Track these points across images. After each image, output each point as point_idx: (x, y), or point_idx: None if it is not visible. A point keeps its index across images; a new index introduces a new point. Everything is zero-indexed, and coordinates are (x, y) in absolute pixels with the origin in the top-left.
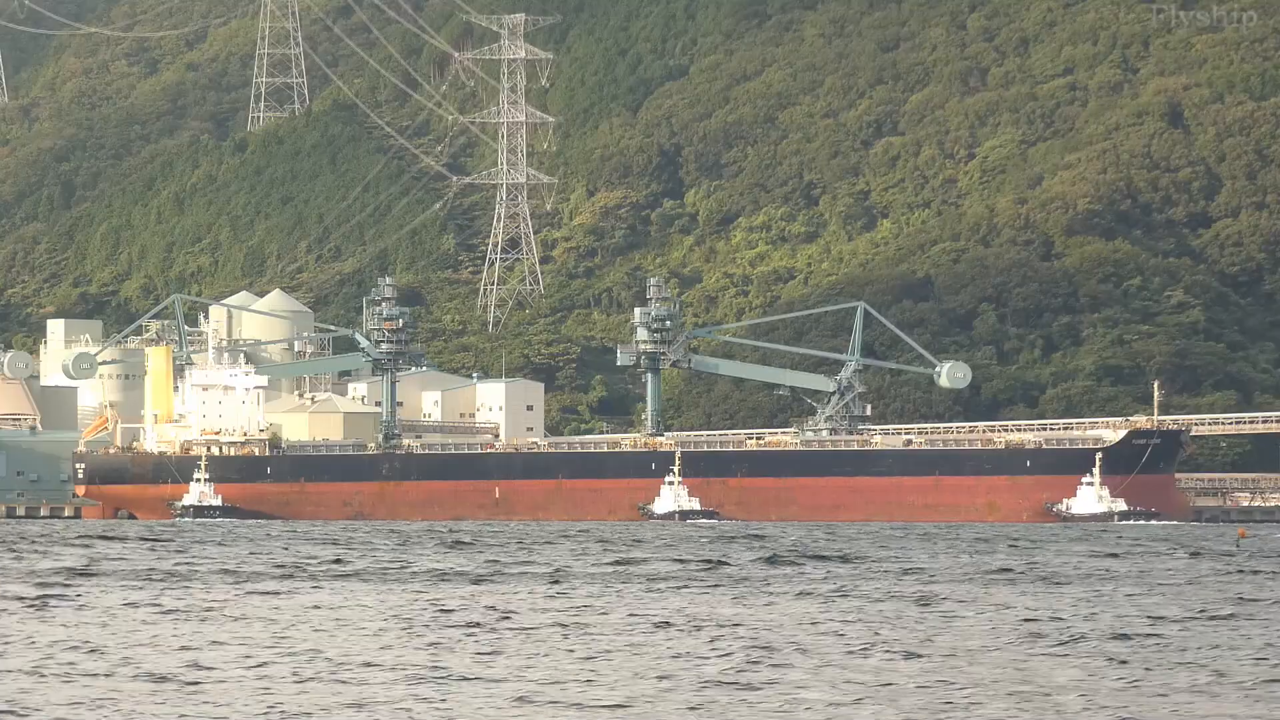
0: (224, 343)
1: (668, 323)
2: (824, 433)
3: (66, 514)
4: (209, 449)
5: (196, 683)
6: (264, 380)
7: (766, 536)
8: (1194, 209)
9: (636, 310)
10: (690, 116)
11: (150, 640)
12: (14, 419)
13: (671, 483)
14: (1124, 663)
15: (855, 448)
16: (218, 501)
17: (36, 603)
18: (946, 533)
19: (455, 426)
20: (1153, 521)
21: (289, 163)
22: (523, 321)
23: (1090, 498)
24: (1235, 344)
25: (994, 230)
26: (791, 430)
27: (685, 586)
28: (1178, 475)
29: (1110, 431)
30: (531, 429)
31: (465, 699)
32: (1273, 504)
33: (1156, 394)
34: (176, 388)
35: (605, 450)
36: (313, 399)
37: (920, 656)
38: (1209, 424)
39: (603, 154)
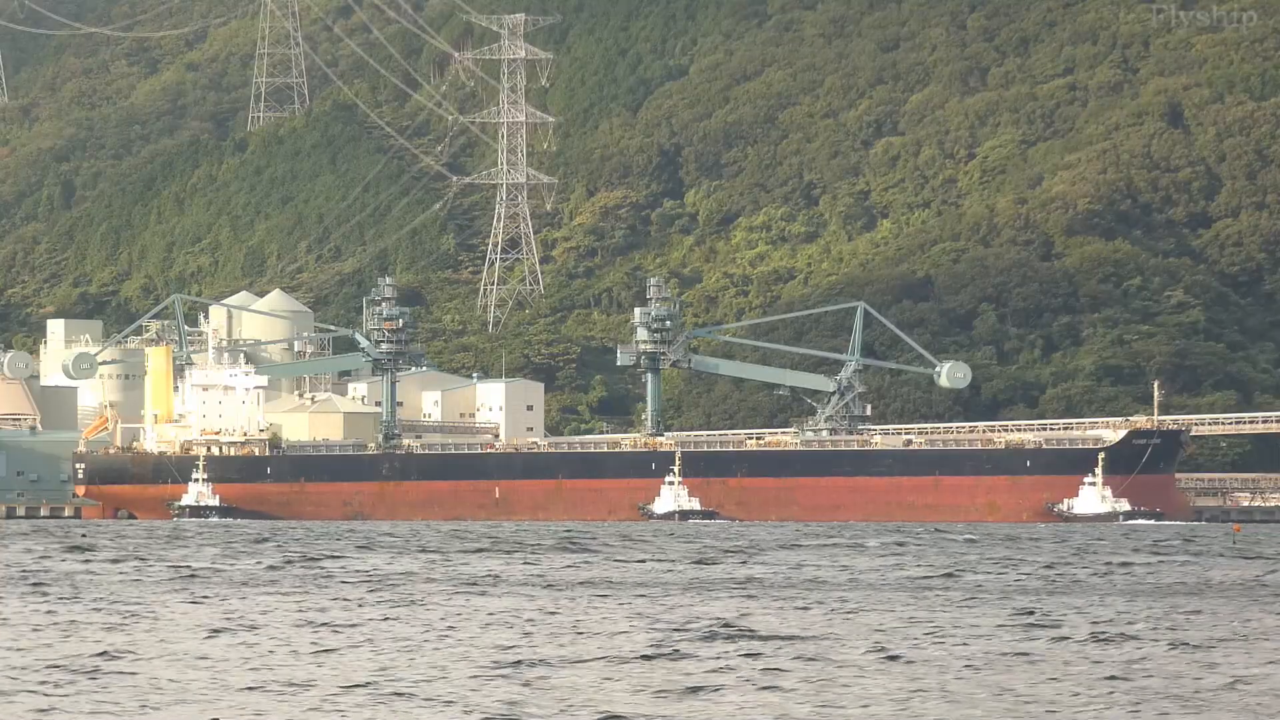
0: (224, 343)
1: (668, 323)
2: (824, 433)
3: (66, 514)
4: (209, 449)
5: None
6: (264, 380)
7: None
8: (1194, 209)
9: (636, 310)
10: (690, 116)
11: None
12: (14, 419)
13: (671, 483)
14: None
15: (855, 448)
16: (215, 502)
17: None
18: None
19: (455, 426)
20: (1160, 521)
21: (289, 163)
22: (523, 321)
23: (1093, 498)
24: (1235, 344)
25: (994, 230)
26: (791, 430)
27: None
28: (1178, 475)
29: (1110, 431)
30: (531, 429)
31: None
32: (1273, 504)
33: (1156, 394)
34: (176, 388)
35: (605, 450)
36: (313, 399)
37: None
38: (1209, 424)
39: (603, 154)
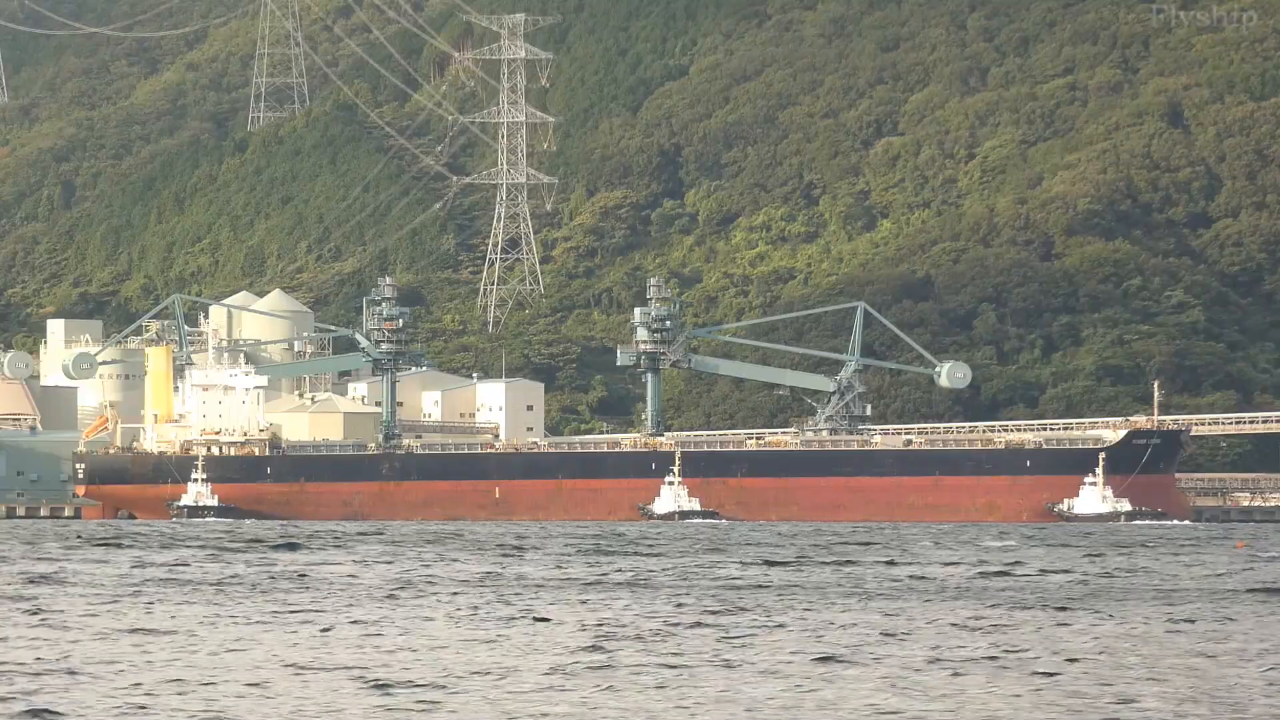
0: (224, 343)
1: (668, 323)
2: (824, 433)
3: (66, 514)
4: (209, 449)
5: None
6: (264, 380)
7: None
8: (1194, 209)
9: (636, 310)
10: (690, 116)
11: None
12: (14, 419)
13: (671, 483)
14: None
15: (855, 448)
16: (214, 502)
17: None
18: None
19: (455, 426)
20: (1163, 521)
21: (289, 163)
22: (523, 321)
23: (1094, 498)
24: (1235, 344)
25: (994, 230)
26: (791, 430)
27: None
28: (1178, 475)
29: (1110, 431)
30: (531, 429)
31: None
32: (1273, 504)
33: (1156, 394)
34: (176, 388)
35: (605, 450)
36: (313, 399)
37: None
38: (1209, 424)
39: (603, 154)
